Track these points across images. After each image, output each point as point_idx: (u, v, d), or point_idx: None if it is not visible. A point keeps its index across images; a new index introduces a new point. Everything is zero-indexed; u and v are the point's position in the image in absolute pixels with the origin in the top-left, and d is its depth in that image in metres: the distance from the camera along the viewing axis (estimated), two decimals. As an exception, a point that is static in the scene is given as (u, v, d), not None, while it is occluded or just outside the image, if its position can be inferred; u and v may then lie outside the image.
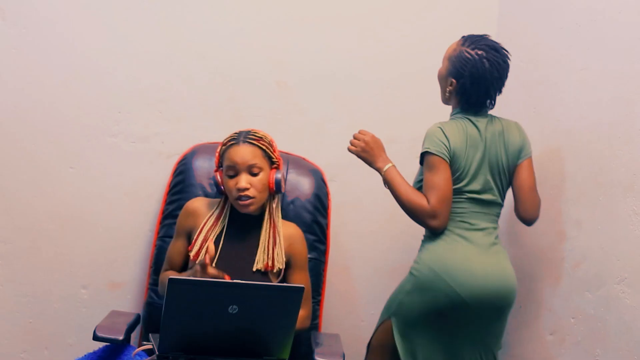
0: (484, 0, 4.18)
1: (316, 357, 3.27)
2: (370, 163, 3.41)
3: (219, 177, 3.33)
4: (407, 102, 3.99)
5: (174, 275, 3.24)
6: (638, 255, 3.05)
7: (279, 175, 3.31)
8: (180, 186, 3.77)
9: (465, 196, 3.29)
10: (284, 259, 3.32)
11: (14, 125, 3.82)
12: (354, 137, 3.44)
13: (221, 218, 3.34)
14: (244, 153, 3.25)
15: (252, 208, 3.26)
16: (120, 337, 3.15)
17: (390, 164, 3.34)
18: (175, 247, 3.38)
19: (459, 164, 3.26)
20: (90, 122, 3.87)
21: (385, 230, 3.70)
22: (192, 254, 3.26)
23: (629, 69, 3.19)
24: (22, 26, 3.80)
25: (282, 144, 3.72)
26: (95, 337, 3.13)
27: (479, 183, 3.29)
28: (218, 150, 3.35)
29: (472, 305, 3.18)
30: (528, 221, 3.40)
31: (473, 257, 3.23)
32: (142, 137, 3.93)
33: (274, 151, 3.34)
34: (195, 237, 3.28)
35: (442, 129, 3.26)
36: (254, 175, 3.25)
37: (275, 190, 3.32)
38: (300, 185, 3.81)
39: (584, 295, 3.33)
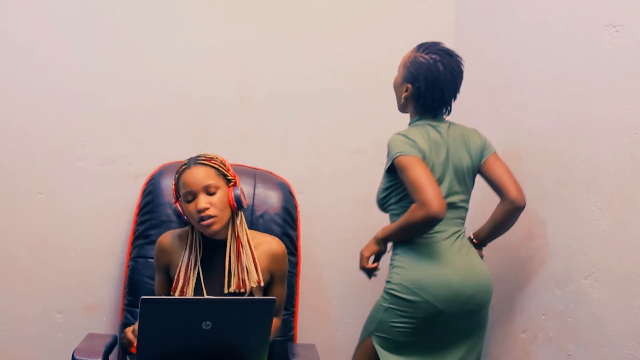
0: (441, 10, 4.22)
1: (293, 368, 3.30)
2: (377, 251, 3.41)
3: (179, 208, 3.28)
4: (370, 112, 4.04)
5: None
6: (603, 249, 3.10)
7: (238, 192, 3.26)
8: (150, 206, 3.79)
9: None
10: (260, 275, 3.27)
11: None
12: None
13: (194, 250, 3.28)
14: (197, 175, 3.21)
15: (215, 227, 3.20)
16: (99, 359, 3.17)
17: (378, 236, 3.39)
18: (159, 282, 3.37)
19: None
20: (56, 146, 3.88)
21: (354, 239, 3.72)
22: (176, 294, 3.22)
23: (586, 68, 3.24)
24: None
25: (249, 159, 3.76)
26: None
27: (444, 187, 3.30)
28: (173, 181, 3.31)
29: (451, 314, 3.20)
30: (520, 205, 3.31)
31: (443, 266, 3.24)
32: (109, 159, 3.94)
33: (228, 169, 3.30)
34: (175, 277, 3.25)
35: (405, 135, 3.28)
36: (211, 194, 3.20)
37: (237, 206, 3.26)
38: (268, 199, 3.83)
39: (553, 291, 3.37)
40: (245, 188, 3.66)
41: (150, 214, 3.77)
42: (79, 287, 3.95)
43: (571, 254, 3.28)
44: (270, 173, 3.98)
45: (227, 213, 3.25)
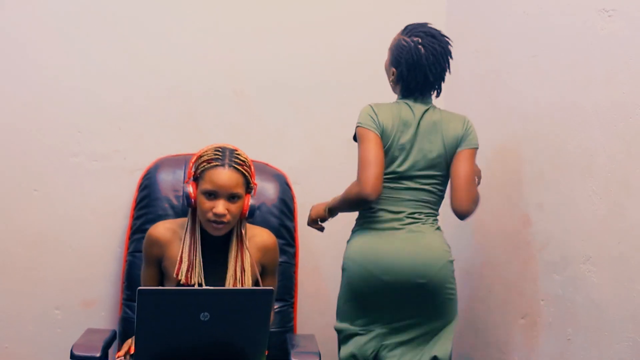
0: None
1: (292, 358, 3.31)
2: (321, 217, 3.55)
3: (190, 189, 3.21)
4: (364, 103, 4.03)
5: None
6: (600, 234, 3.09)
7: (253, 202, 3.26)
8: (146, 200, 3.78)
9: (388, 177, 3.29)
10: (258, 273, 3.29)
11: (-25, 149, 3.83)
12: None
13: (196, 238, 3.26)
14: (228, 180, 3.16)
15: (222, 232, 3.22)
16: (97, 354, 3.17)
17: (325, 204, 3.51)
18: (148, 274, 3.32)
19: (385, 142, 3.27)
20: (51, 143, 3.88)
21: (351, 227, 3.71)
22: (182, 278, 3.18)
23: (580, 53, 3.23)
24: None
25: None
26: (73, 357, 3.13)
27: (405, 166, 3.29)
28: (193, 161, 3.25)
29: (386, 282, 3.23)
30: (460, 214, 3.30)
31: (380, 239, 3.30)
32: (104, 155, 3.94)
33: (252, 176, 3.29)
34: (178, 261, 3.21)
35: (371, 107, 3.32)
36: (232, 202, 3.19)
37: (247, 216, 3.26)
38: (265, 190, 3.82)
39: (552, 276, 3.36)
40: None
41: (147, 208, 3.77)
42: (77, 282, 3.95)
43: (569, 239, 3.27)
44: (267, 165, 3.97)
45: (237, 219, 3.25)
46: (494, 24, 3.87)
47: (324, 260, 4.18)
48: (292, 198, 3.93)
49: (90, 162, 3.92)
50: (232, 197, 3.17)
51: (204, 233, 3.27)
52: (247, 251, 3.27)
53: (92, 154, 3.92)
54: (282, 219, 3.84)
